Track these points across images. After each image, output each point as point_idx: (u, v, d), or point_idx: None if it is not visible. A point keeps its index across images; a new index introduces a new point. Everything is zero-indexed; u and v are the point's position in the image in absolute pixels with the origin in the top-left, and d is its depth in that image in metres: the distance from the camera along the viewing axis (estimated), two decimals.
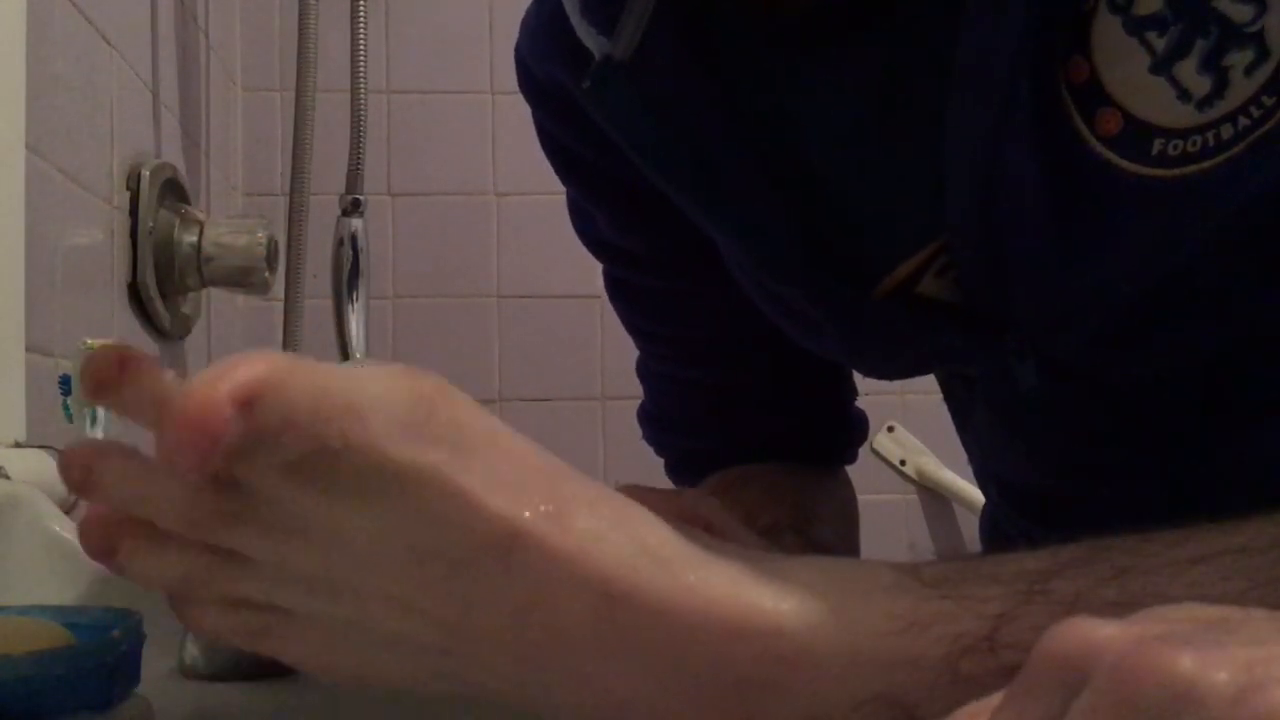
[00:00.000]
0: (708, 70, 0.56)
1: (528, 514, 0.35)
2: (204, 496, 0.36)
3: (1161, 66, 0.45)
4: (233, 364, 0.34)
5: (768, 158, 0.56)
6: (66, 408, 0.94)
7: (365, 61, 1.52)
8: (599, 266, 0.77)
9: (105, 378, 0.34)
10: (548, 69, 0.64)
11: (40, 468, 0.86)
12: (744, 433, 0.75)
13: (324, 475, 0.35)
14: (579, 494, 0.36)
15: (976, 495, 1.86)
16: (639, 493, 0.50)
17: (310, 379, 0.34)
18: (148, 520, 0.37)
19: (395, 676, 0.38)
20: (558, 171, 0.71)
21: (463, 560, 0.35)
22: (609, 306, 0.77)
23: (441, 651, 0.36)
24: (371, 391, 0.35)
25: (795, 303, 0.59)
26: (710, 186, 0.58)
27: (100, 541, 0.37)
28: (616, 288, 0.75)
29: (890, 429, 1.91)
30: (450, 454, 0.35)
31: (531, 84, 0.67)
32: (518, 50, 0.68)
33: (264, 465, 0.35)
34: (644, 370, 0.78)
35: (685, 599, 0.35)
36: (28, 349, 0.92)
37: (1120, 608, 0.34)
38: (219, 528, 0.36)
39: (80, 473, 0.36)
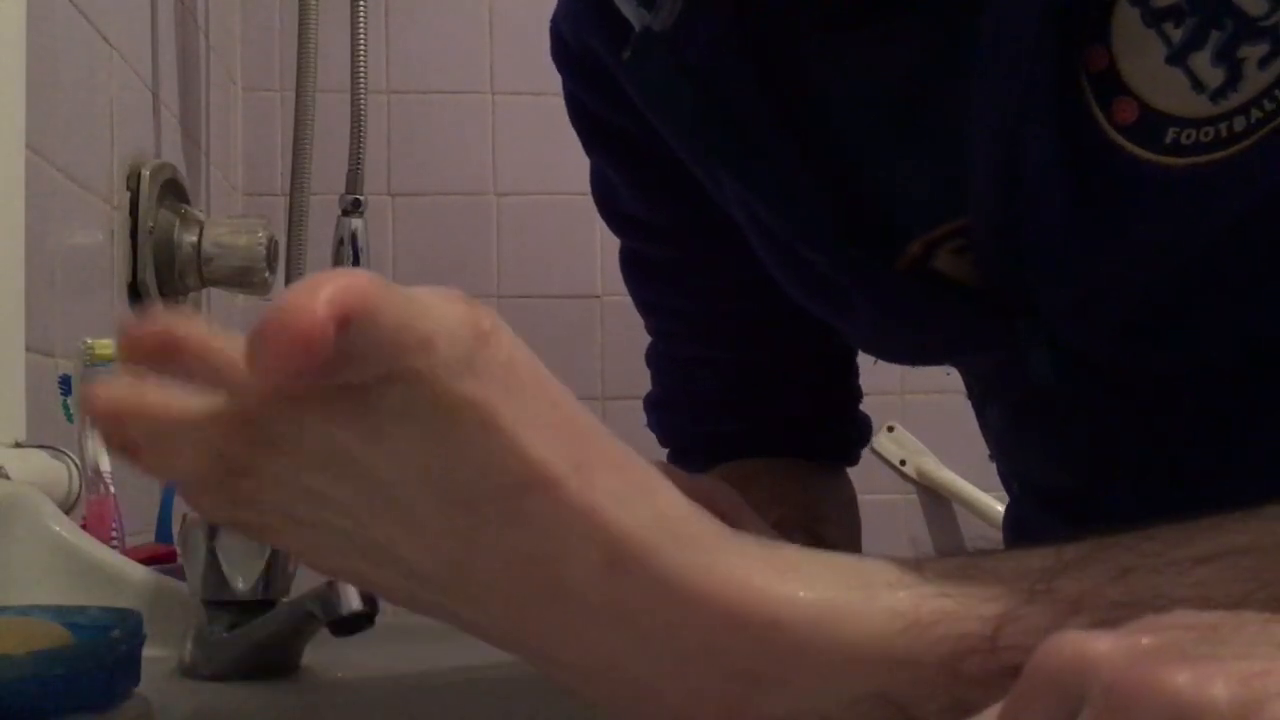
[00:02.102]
0: (744, 43, 0.57)
1: (554, 462, 0.34)
2: (243, 421, 0.35)
3: (1177, 57, 0.46)
4: (329, 280, 0.32)
5: (800, 128, 0.57)
6: (66, 408, 0.94)
7: (365, 61, 1.53)
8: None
9: (153, 357, 0.34)
10: (583, 37, 0.66)
11: (40, 468, 0.86)
12: (749, 419, 0.75)
13: (374, 404, 0.33)
14: (608, 453, 0.36)
15: (977, 495, 1.87)
16: (665, 469, 0.50)
17: (397, 307, 0.33)
18: (167, 412, 0.35)
19: (393, 593, 0.37)
20: (584, 140, 0.72)
21: (479, 497, 0.34)
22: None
23: (440, 585, 0.36)
24: (444, 325, 0.34)
25: (824, 273, 0.59)
26: (743, 155, 0.59)
27: (112, 423, 0.36)
28: (632, 262, 0.75)
29: (890, 429, 1.91)
30: (499, 391, 0.34)
31: (565, 52, 0.68)
32: (554, 20, 0.69)
33: (329, 389, 0.33)
34: (653, 353, 0.79)
35: (692, 577, 0.35)
36: (28, 349, 0.92)
37: (1124, 608, 0.34)
38: (248, 448, 0.35)
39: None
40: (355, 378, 0.33)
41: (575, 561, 0.34)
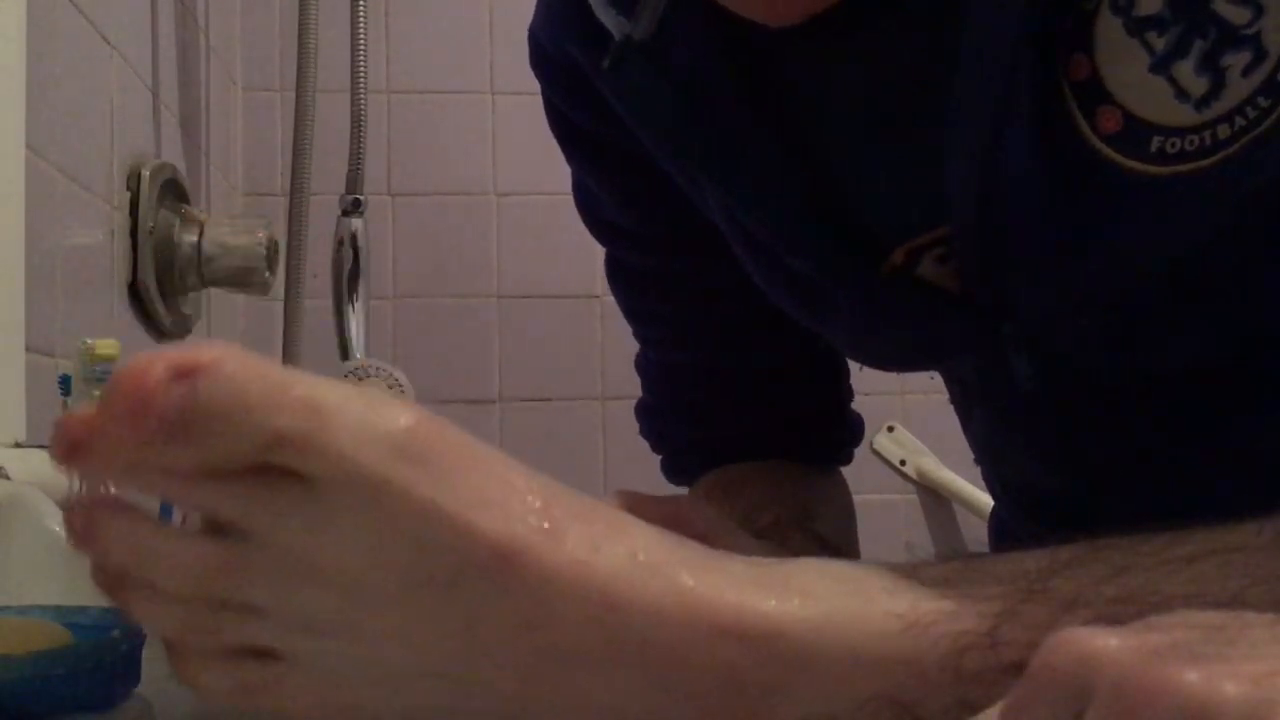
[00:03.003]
0: (726, 51, 0.57)
1: (519, 530, 0.34)
2: (204, 548, 0.35)
3: (1161, 66, 0.46)
4: (182, 345, 0.34)
5: (783, 136, 0.57)
6: (66, 408, 0.94)
7: (365, 61, 1.53)
8: (599, 266, 0.77)
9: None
10: (562, 45, 0.65)
11: (40, 468, 0.86)
12: (740, 422, 0.75)
13: (301, 492, 0.34)
14: (570, 508, 0.36)
15: (976, 495, 1.87)
16: (632, 499, 0.51)
17: (265, 370, 0.34)
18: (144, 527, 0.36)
19: (399, 715, 0.37)
20: (564, 148, 0.71)
21: (456, 583, 0.34)
22: (609, 306, 0.77)
23: (444, 678, 0.36)
24: (336, 396, 0.34)
25: (808, 280, 0.59)
26: (726, 162, 0.59)
27: (105, 584, 0.36)
28: (617, 270, 0.75)
29: (890, 429, 1.91)
30: (431, 474, 0.34)
31: (545, 61, 0.68)
32: (532, 28, 0.69)
33: (228, 462, 0.34)
34: (643, 361, 0.79)
35: (683, 604, 0.35)
36: (28, 349, 0.92)
37: (1120, 604, 0.34)
38: (221, 578, 0.35)
39: (82, 524, 0.36)
40: (235, 444, 0.33)
41: (568, 619, 0.35)
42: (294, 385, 0.34)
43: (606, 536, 0.36)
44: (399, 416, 0.35)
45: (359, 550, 0.34)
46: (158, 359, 0.33)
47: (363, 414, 0.34)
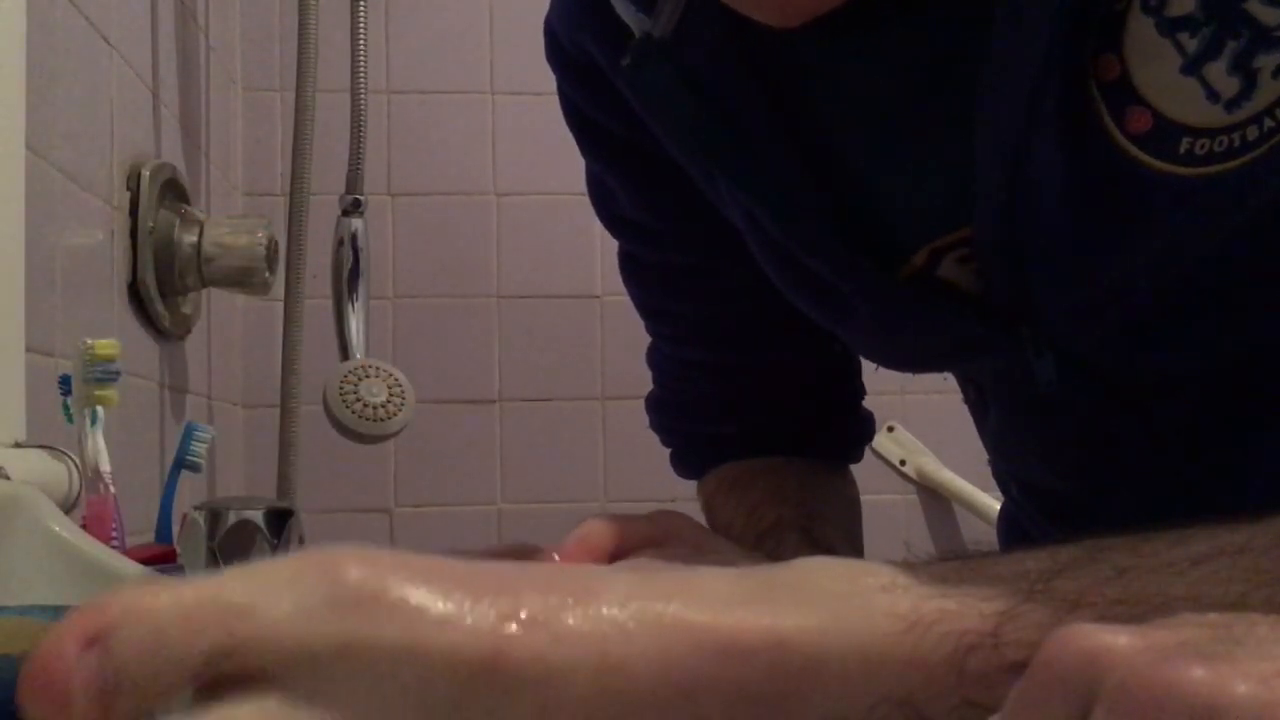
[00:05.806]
0: (745, 50, 0.57)
1: (492, 629, 0.33)
2: None
3: (1192, 67, 0.46)
4: (83, 607, 0.32)
5: (802, 136, 0.57)
6: (66, 408, 0.94)
7: (365, 61, 1.53)
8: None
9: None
10: (579, 41, 0.65)
11: (40, 468, 0.87)
12: (750, 419, 0.75)
13: (259, 694, 0.31)
14: (526, 586, 0.34)
15: (976, 495, 1.87)
16: (619, 523, 0.50)
17: (174, 596, 0.32)
18: None
19: None
20: (580, 144, 0.71)
21: (458, 705, 0.32)
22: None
23: None
24: (255, 583, 0.32)
25: (825, 279, 0.59)
26: (744, 162, 0.59)
27: None
28: (631, 265, 0.75)
29: (890, 429, 1.91)
30: (384, 612, 0.32)
31: (560, 55, 0.68)
32: (548, 21, 0.68)
33: (177, 696, 0.31)
34: (654, 355, 0.79)
35: (681, 637, 0.34)
36: (28, 349, 0.92)
37: (1123, 605, 0.34)
38: None
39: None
40: (174, 677, 0.31)
41: (574, 695, 0.33)
42: (211, 597, 0.32)
43: (578, 600, 0.34)
44: (327, 572, 0.33)
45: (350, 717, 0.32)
46: (63, 634, 0.31)
47: (290, 587, 0.32)
